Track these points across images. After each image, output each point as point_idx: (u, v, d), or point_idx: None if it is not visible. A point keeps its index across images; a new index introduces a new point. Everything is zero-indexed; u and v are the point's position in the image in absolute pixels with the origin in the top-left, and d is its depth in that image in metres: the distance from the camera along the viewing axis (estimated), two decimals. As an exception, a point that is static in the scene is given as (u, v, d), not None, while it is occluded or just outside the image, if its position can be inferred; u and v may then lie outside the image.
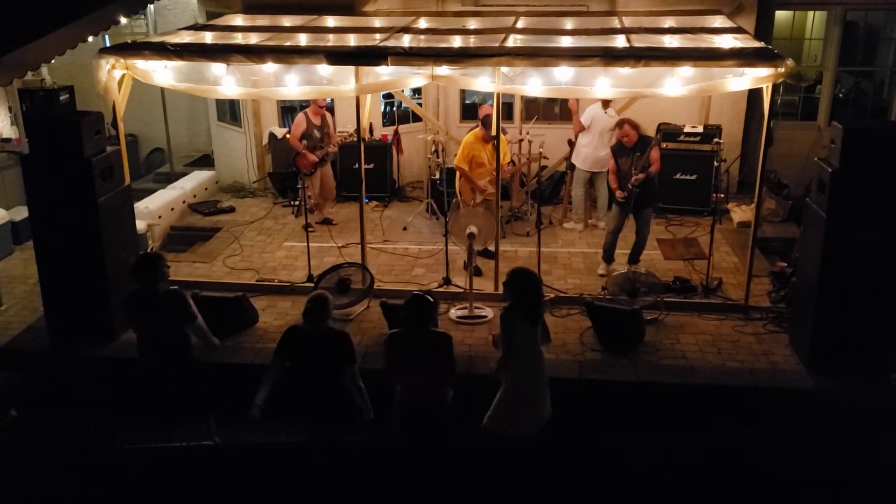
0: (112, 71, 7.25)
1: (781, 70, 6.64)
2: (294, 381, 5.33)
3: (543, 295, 5.39)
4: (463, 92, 10.93)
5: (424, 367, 5.15)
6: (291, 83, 7.53)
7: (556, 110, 10.90)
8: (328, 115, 9.62)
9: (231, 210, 10.39)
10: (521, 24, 8.72)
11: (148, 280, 5.61)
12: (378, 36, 7.97)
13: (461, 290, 7.69)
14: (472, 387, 5.51)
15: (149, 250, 9.10)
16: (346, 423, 5.32)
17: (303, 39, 8.07)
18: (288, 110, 11.22)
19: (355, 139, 8.41)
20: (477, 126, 8.58)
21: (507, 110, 10.20)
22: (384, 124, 11.14)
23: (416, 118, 11.09)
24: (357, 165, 8.12)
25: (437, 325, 7.07)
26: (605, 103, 9.11)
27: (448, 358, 5.18)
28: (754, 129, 10.07)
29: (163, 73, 7.54)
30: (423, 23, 8.97)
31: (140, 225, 8.54)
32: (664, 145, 9.58)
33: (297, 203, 9.95)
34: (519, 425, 5.25)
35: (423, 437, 5.08)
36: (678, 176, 9.78)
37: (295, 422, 5.43)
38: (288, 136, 9.83)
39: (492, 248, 7.85)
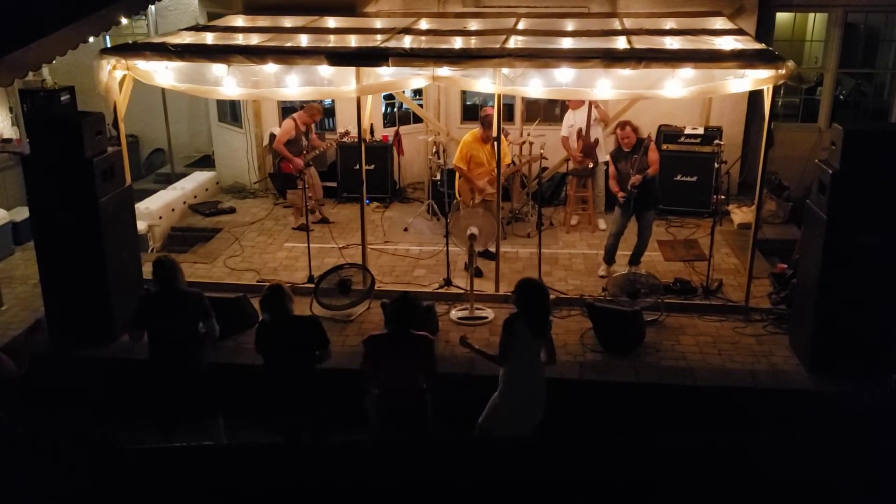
0: (113, 71, 7.26)
1: (782, 72, 6.65)
2: (268, 372, 5.35)
3: (548, 309, 5.31)
4: (464, 93, 10.94)
5: (402, 368, 5.13)
6: (292, 84, 7.54)
7: (557, 112, 10.91)
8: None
9: (232, 211, 10.39)
10: (521, 25, 8.74)
11: (169, 280, 5.61)
12: (379, 37, 7.98)
13: (462, 291, 7.69)
14: (473, 388, 5.51)
15: (149, 251, 9.12)
16: (324, 409, 5.35)
17: (304, 40, 8.08)
18: (288, 111, 11.21)
19: (355, 140, 8.42)
20: (477, 127, 8.59)
21: (507, 111, 10.20)
22: (385, 125, 11.14)
23: (417, 119, 11.09)
24: (358, 166, 8.12)
25: (437, 326, 7.05)
26: (577, 105, 9.29)
27: (428, 359, 5.13)
28: (755, 131, 10.07)
29: (164, 73, 7.55)
30: (424, 24, 8.98)
31: (141, 226, 8.54)
32: (664, 147, 9.63)
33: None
34: (511, 429, 5.25)
35: (404, 435, 5.05)
36: (679, 177, 9.79)
37: (274, 412, 5.43)
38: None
39: (492, 249, 7.84)
